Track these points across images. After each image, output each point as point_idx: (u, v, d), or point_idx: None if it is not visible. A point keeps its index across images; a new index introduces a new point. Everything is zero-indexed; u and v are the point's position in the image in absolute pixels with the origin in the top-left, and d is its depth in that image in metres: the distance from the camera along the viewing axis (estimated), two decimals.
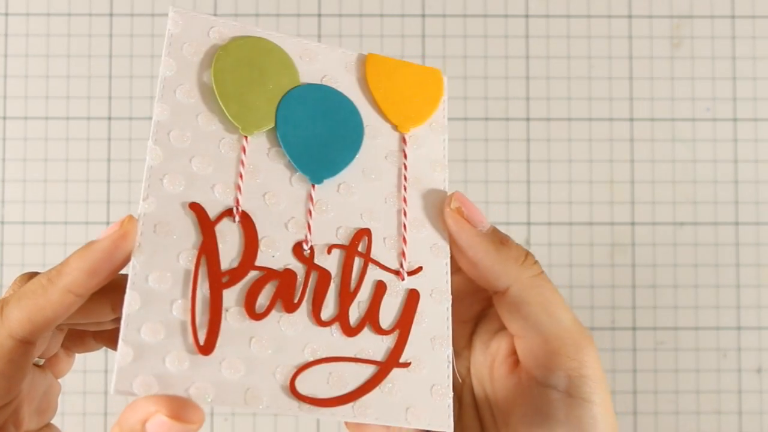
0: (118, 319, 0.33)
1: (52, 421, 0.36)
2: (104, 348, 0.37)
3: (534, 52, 0.69)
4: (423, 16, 0.69)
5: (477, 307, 0.37)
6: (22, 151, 0.67)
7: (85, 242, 0.69)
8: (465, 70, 0.68)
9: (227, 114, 0.33)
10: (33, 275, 0.32)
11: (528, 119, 0.68)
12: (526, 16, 0.69)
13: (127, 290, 0.29)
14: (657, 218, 0.68)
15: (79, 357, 0.38)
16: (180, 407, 0.27)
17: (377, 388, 0.31)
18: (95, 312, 0.32)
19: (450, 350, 0.33)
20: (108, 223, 0.66)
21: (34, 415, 0.34)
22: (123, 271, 0.30)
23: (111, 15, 0.68)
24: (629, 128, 0.68)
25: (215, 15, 0.68)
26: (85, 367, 0.65)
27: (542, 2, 0.69)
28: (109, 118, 0.67)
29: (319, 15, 0.68)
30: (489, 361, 0.35)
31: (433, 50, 0.68)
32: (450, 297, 0.34)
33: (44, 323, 0.30)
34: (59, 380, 0.36)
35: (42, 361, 0.35)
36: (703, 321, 0.67)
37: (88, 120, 0.67)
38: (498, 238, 0.34)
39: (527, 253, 0.34)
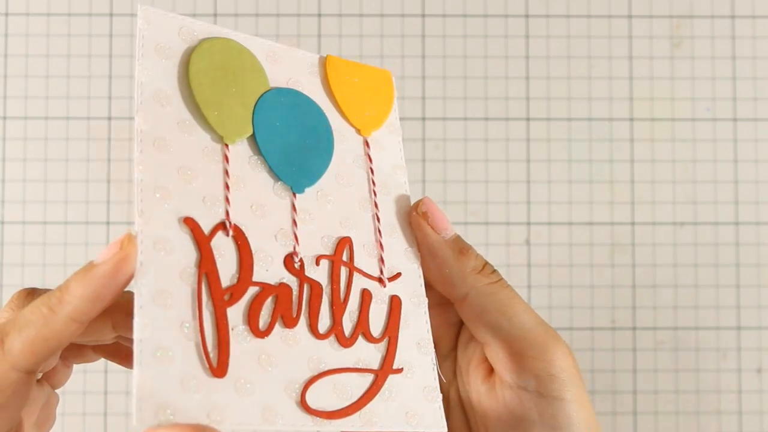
0: (119, 336, 0.33)
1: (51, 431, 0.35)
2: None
3: (534, 52, 0.69)
4: (423, 16, 0.68)
5: None
6: (22, 151, 0.67)
7: (84, 242, 0.68)
8: (465, 70, 0.68)
9: (209, 122, 0.32)
10: (30, 292, 0.32)
11: (528, 119, 0.68)
12: (526, 16, 0.69)
13: (136, 315, 0.27)
14: (657, 218, 0.68)
15: None
16: None
17: (377, 395, 0.31)
18: (97, 331, 0.32)
19: (433, 352, 0.34)
20: (108, 223, 0.66)
21: (33, 428, 0.33)
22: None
23: (111, 15, 0.68)
24: (629, 128, 0.68)
25: (214, 15, 0.68)
26: (85, 368, 0.65)
27: (542, 2, 0.69)
28: (109, 118, 0.67)
29: (319, 15, 0.68)
30: (466, 365, 0.35)
31: (433, 50, 0.68)
32: (426, 300, 0.35)
33: (48, 353, 0.29)
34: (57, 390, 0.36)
35: (40, 375, 0.34)
36: (703, 321, 0.67)
37: (88, 120, 0.67)
38: (458, 247, 0.34)
39: (485, 264, 0.34)
